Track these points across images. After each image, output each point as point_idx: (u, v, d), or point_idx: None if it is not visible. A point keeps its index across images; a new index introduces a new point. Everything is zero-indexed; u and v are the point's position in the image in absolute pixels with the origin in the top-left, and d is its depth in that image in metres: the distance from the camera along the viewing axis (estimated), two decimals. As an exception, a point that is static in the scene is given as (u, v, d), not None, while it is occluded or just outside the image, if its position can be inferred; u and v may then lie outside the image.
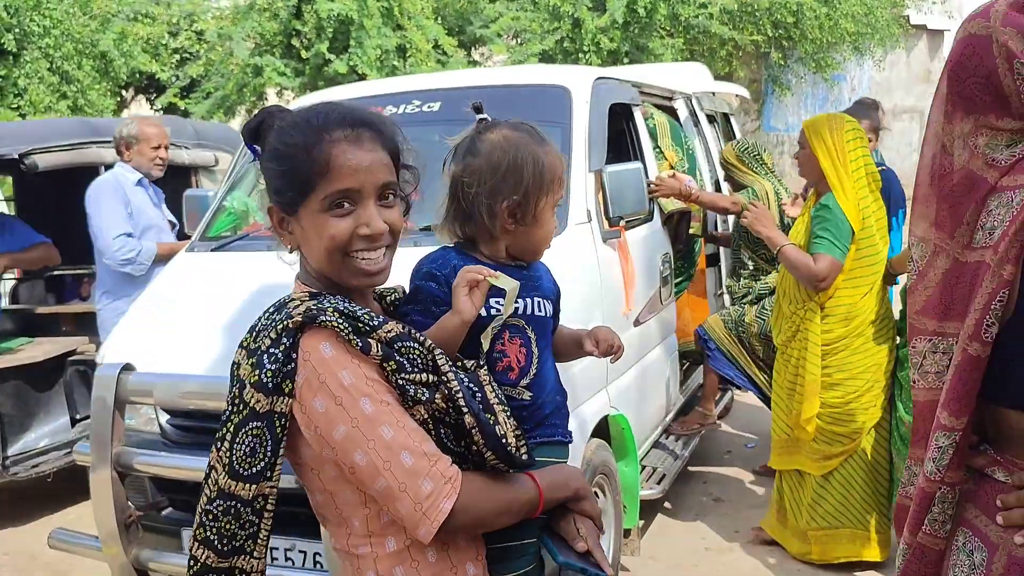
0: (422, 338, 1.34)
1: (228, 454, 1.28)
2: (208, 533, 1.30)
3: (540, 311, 1.55)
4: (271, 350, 1.26)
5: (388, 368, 1.27)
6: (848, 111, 4.36)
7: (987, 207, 1.24)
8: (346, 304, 1.31)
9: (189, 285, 3.33)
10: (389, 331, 1.30)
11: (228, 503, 1.28)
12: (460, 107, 3.58)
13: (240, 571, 1.31)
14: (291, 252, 1.41)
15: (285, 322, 1.27)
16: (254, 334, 1.32)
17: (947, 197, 1.27)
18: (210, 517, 1.29)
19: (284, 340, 1.26)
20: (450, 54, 10.19)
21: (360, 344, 1.26)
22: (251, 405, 1.27)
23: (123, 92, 12.73)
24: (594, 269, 3.22)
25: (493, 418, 1.33)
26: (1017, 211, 1.18)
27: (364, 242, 1.32)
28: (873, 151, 4.52)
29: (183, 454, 2.80)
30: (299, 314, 1.27)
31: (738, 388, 4.62)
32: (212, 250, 3.52)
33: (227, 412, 1.30)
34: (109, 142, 4.56)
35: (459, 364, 1.41)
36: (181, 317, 3.14)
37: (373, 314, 1.32)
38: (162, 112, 11.51)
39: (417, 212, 3.50)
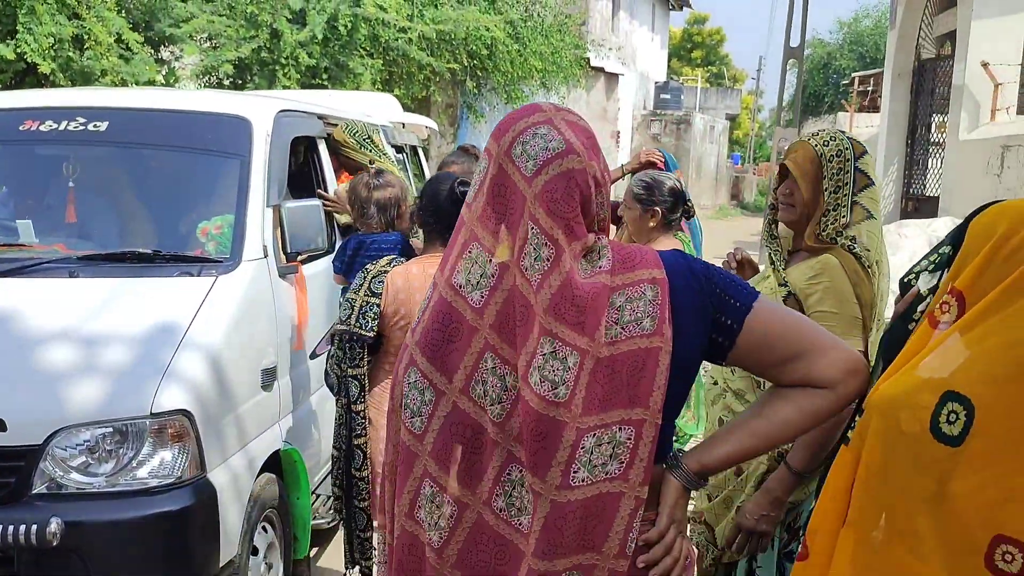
0: None
1: None
2: None
3: None
4: None
5: None
6: (450, 156, 4.64)
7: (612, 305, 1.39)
8: None
9: None
10: None
11: None
12: (129, 128, 3.49)
13: None
14: None
15: None
16: None
17: None
18: None
19: None
20: (135, 50, 9.54)
21: None
22: None
23: None
24: (270, 304, 3.23)
25: None
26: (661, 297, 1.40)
27: None
28: None
29: None
30: None
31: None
32: None
33: None
34: None
35: None
36: None
37: None
38: None
39: (79, 239, 3.32)
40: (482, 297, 1.40)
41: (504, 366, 1.38)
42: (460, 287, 1.42)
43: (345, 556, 3.20)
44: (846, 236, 2.26)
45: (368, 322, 2.87)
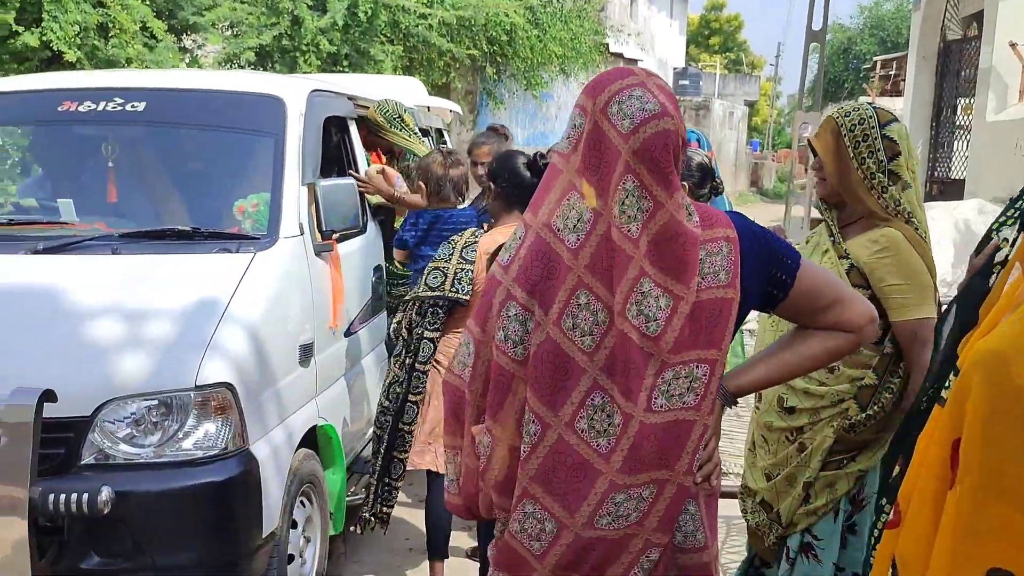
0: None
1: None
2: None
3: None
4: None
5: None
6: (480, 136, 4.70)
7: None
8: None
9: None
10: None
11: None
12: (166, 108, 3.52)
13: None
14: None
15: None
16: None
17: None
18: None
19: None
20: (159, 38, 9.59)
21: None
22: None
23: None
24: (306, 281, 3.26)
25: None
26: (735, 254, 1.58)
27: None
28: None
29: None
30: None
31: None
32: None
33: None
34: None
35: None
36: None
37: None
38: None
39: (118, 217, 3.36)
40: (578, 239, 1.53)
41: (597, 302, 1.52)
42: (558, 230, 1.54)
43: (365, 504, 3.37)
44: (907, 204, 2.29)
45: (465, 286, 3.09)
